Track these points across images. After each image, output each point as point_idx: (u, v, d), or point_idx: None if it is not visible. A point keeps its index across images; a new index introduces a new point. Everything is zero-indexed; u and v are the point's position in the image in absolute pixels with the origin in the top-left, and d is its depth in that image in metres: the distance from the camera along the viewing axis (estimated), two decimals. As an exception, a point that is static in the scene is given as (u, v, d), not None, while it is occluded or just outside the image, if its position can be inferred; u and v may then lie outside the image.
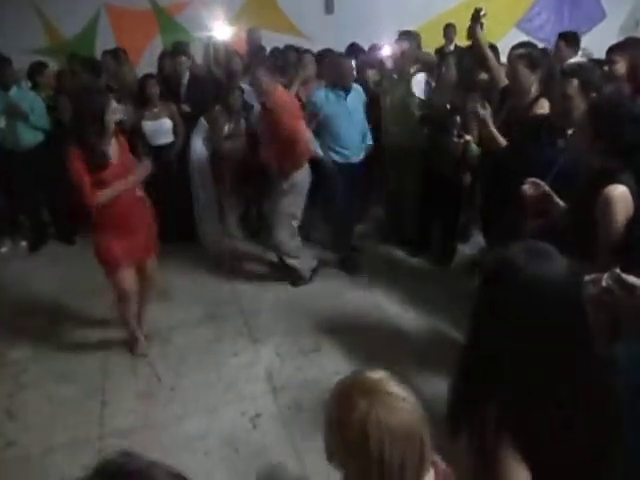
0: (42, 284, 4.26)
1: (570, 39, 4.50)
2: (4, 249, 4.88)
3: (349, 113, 3.97)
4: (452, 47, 5.83)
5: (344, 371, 3.13)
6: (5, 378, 3.23)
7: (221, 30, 6.50)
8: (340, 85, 3.93)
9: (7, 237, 4.95)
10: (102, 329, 3.64)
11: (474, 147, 3.52)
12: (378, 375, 1.04)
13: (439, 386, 2.94)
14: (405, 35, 4.33)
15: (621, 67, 3.27)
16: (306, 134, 3.70)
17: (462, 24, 5.70)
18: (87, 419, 2.90)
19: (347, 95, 3.97)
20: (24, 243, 4.94)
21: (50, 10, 6.63)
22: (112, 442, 2.73)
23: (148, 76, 4.51)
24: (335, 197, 4.09)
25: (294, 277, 4.05)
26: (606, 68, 3.48)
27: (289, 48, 5.58)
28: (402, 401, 1.00)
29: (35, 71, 4.73)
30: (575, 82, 2.53)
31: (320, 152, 3.97)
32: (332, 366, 3.18)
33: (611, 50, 3.64)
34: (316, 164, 3.94)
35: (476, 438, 1.11)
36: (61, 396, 3.07)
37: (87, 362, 3.34)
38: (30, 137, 4.49)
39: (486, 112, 3.05)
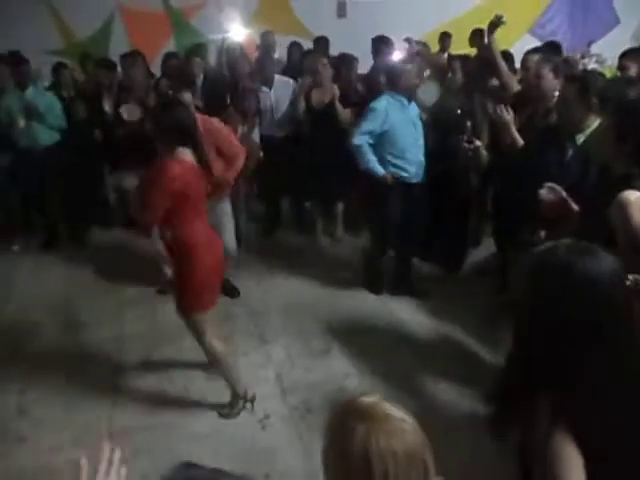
0: (53, 283, 4.31)
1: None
2: (16, 248, 4.92)
3: (413, 124, 3.67)
4: (446, 55, 5.85)
5: (353, 373, 3.16)
6: (16, 375, 3.26)
7: (234, 33, 6.56)
8: (403, 92, 3.61)
9: (19, 236, 4.99)
10: (114, 328, 3.67)
11: (484, 152, 3.51)
12: (372, 399, 1.01)
13: (445, 390, 2.95)
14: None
15: (633, 73, 3.26)
16: None
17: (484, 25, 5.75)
18: (97, 417, 2.92)
19: (410, 103, 3.66)
20: (36, 242, 4.98)
21: (65, 11, 6.72)
22: (122, 440, 2.75)
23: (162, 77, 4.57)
24: (391, 219, 3.78)
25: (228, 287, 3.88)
26: (618, 74, 3.48)
27: (295, 44, 5.64)
28: (401, 422, 0.98)
29: (56, 71, 4.80)
30: (573, 88, 2.54)
31: (379, 168, 3.64)
32: (341, 368, 3.19)
33: (623, 56, 3.63)
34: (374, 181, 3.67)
35: (528, 428, 1.12)
36: (72, 394, 3.09)
37: (98, 360, 3.37)
38: (46, 136, 4.56)
39: (510, 116, 3.06)
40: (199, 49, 5.60)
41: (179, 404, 2.98)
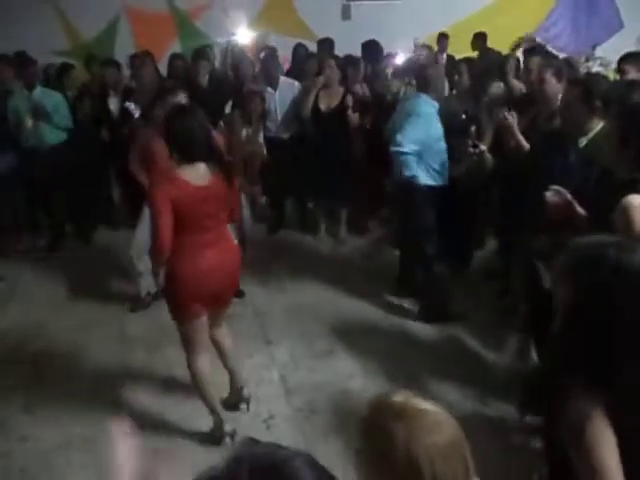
0: (58, 283, 4.33)
1: None
2: (23, 245, 4.95)
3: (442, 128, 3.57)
4: (444, 56, 5.88)
5: (357, 374, 3.16)
6: (21, 374, 3.28)
7: (239, 34, 6.59)
8: (434, 94, 3.53)
9: (25, 236, 5.02)
10: (117, 328, 3.70)
11: (488, 156, 3.51)
12: (402, 395, 1.01)
13: (449, 390, 2.96)
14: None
15: (633, 77, 3.27)
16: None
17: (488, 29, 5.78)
18: (102, 416, 2.93)
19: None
20: (42, 242, 5.01)
21: (71, 12, 6.76)
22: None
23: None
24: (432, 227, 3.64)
25: (134, 301, 3.87)
26: (618, 77, 3.50)
27: (300, 46, 5.66)
28: (437, 415, 0.98)
29: (62, 71, 4.83)
30: (576, 91, 2.55)
31: (423, 178, 3.48)
32: (346, 369, 3.20)
33: (622, 60, 3.65)
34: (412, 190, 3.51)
35: (563, 411, 1.13)
36: (75, 394, 3.11)
37: (103, 359, 3.39)
38: (53, 136, 4.59)
39: (514, 120, 3.07)
40: (205, 51, 5.62)
41: (182, 404, 2.98)
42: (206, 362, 2.62)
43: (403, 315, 3.75)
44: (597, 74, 3.74)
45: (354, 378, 3.13)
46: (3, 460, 2.65)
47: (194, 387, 2.68)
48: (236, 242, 2.74)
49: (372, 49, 5.15)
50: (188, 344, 2.59)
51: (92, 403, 3.02)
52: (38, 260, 4.72)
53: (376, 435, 0.97)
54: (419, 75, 3.64)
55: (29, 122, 4.42)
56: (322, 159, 4.61)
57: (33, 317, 3.86)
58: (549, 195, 2.21)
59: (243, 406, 2.90)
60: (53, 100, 4.54)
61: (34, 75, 4.56)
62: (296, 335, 3.55)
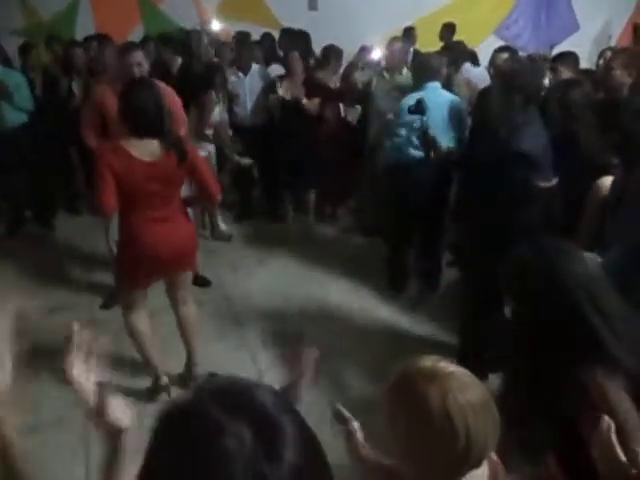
0: (22, 267, 4.21)
1: None
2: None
3: None
4: (412, 50, 5.98)
5: (327, 354, 3.21)
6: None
7: (203, 20, 6.53)
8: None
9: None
10: (88, 311, 3.67)
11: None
12: (431, 359, 1.04)
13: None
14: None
15: (565, 76, 3.44)
16: None
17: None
18: (71, 401, 2.87)
19: None
20: (1, 227, 4.86)
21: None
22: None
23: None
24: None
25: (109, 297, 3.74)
26: (550, 77, 3.67)
27: (267, 35, 5.66)
28: (467, 377, 1.02)
29: (23, 51, 4.66)
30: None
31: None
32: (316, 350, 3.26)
33: (555, 60, 3.81)
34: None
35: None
36: (49, 376, 3.04)
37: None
38: (13, 117, 4.42)
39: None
40: (174, 36, 5.55)
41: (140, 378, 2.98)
42: (141, 318, 2.75)
43: (369, 302, 3.84)
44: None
45: (325, 358, 3.19)
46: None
47: (132, 342, 2.81)
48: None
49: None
50: (125, 304, 2.77)
51: (60, 384, 2.98)
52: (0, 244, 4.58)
53: (409, 399, 1.00)
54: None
55: (-10, 101, 4.26)
56: (289, 147, 4.65)
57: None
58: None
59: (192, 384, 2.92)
60: (14, 80, 4.37)
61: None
62: (266, 317, 3.61)
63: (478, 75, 4.52)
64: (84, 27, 6.28)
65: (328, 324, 3.55)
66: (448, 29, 5.95)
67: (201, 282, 3.91)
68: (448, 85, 3.96)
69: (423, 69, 3.59)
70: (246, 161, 4.52)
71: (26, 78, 4.55)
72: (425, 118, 3.27)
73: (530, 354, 1.36)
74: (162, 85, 3.15)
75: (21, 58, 4.77)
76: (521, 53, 5.10)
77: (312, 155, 4.60)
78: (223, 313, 3.67)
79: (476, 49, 5.75)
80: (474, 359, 2.54)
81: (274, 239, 4.73)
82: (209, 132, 4.24)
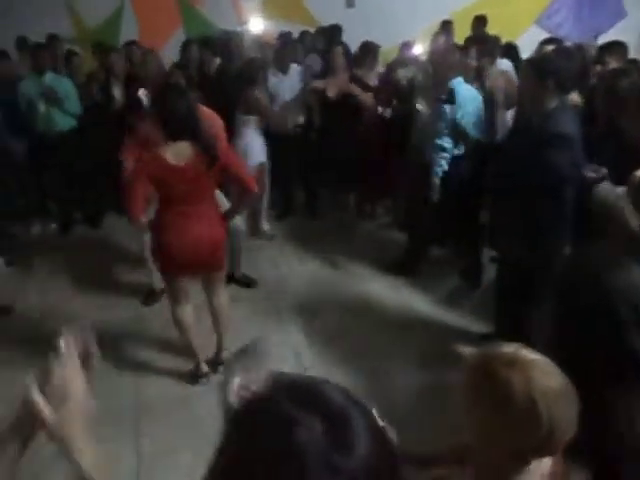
0: (71, 266, 4.39)
1: None
2: (35, 230, 5.02)
3: None
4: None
5: (368, 352, 3.24)
6: (38, 355, 3.34)
7: (243, 22, 6.61)
8: None
9: (37, 219, 5.08)
10: (132, 308, 3.79)
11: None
12: (510, 347, 1.05)
13: (448, 375, 3.03)
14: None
15: (613, 67, 3.32)
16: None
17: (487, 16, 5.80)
18: (122, 393, 3.01)
19: None
20: (54, 225, 5.09)
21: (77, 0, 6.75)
22: (146, 413, 2.85)
23: (176, 66, 4.62)
24: None
25: (148, 294, 3.86)
26: (598, 68, 3.54)
27: (305, 33, 5.68)
28: (548, 364, 1.02)
29: (67, 59, 4.85)
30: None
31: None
32: (359, 347, 3.30)
33: (603, 50, 3.68)
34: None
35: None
36: (97, 370, 3.18)
37: (121, 337, 3.48)
38: (63, 122, 4.62)
39: None
40: (214, 38, 5.67)
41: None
42: (186, 311, 2.96)
43: (411, 295, 3.85)
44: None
45: (366, 354, 3.23)
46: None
47: (178, 331, 3.03)
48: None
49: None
50: (170, 296, 2.99)
51: (115, 379, 3.11)
52: (49, 245, 4.78)
53: (491, 385, 1.01)
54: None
55: (42, 107, 4.45)
56: (329, 146, 4.68)
57: (49, 300, 3.93)
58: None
59: (221, 369, 3.09)
60: (64, 86, 4.56)
61: (44, 60, 4.57)
62: (308, 314, 3.65)
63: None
64: (128, 33, 6.47)
65: (369, 320, 3.56)
66: (479, 22, 5.86)
67: (247, 282, 3.99)
68: (479, 77, 3.90)
69: (445, 66, 3.58)
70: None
71: (74, 84, 4.73)
72: (455, 107, 3.32)
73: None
74: (205, 110, 3.25)
75: (68, 65, 4.95)
76: (567, 43, 4.96)
77: (352, 153, 4.61)
78: (265, 310, 3.73)
79: (516, 41, 5.65)
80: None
81: (314, 237, 4.77)
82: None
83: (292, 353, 3.28)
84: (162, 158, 2.57)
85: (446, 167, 3.59)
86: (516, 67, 4.49)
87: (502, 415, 0.99)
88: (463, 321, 3.55)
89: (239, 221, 3.74)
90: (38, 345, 3.36)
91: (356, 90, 4.40)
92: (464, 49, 4.33)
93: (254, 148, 4.19)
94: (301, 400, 0.64)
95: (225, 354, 3.15)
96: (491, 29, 5.88)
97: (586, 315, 1.24)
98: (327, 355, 3.25)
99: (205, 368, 3.10)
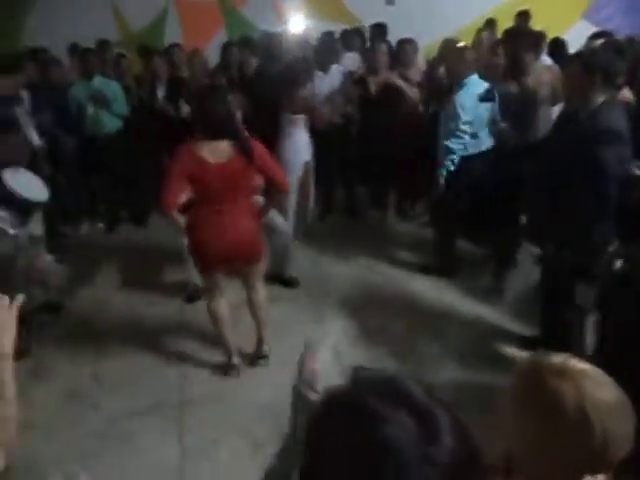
0: (118, 264, 4.54)
1: None
2: (83, 229, 5.21)
3: None
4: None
5: (409, 352, 3.22)
6: (90, 347, 3.48)
7: (284, 22, 6.66)
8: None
9: (86, 218, 5.27)
10: (177, 304, 3.88)
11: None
12: (560, 357, 1.02)
13: (488, 375, 2.98)
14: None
15: None
16: None
17: (532, 11, 5.67)
18: (167, 387, 3.10)
19: None
20: (101, 225, 5.26)
21: (122, 4, 6.95)
22: (191, 407, 2.92)
23: (219, 68, 4.71)
24: None
25: (191, 292, 3.90)
26: None
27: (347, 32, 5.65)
28: (600, 376, 0.99)
29: (116, 62, 5.02)
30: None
31: None
32: (397, 347, 3.29)
33: None
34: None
35: None
36: (141, 365, 3.29)
37: (164, 333, 3.57)
38: (111, 124, 4.77)
39: None
40: (251, 40, 5.72)
41: (243, 378, 3.13)
42: (220, 305, 3.05)
43: (451, 294, 3.82)
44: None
45: (407, 354, 3.21)
46: (78, 425, 2.84)
47: (212, 325, 3.13)
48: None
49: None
50: (206, 291, 3.09)
51: (159, 374, 3.20)
52: (97, 244, 4.96)
53: (541, 393, 0.98)
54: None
55: (90, 110, 4.61)
56: (369, 143, 4.66)
57: (96, 296, 4.07)
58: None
59: (262, 362, 3.21)
60: (111, 88, 4.72)
61: (94, 64, 4.73)
62: (348, 314, 3.65)
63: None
64: (172, 35, 6.62)
65: (410, 320, 3.54)
66: (522, 17, 5.73)
67: (289, 282, 4.02)
68: (519, 73, 3.82)
69: (461, 63, 3.61)
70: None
71: (122, 86, 4.87)
72: (494, 105, 3.32)
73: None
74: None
75: (117, 68, 5.11)
76: (618, 37, 4.78)
77: (391, 150, 4.58)
78: (305, 309, 3.75)
79: (564, 35, 5.49)
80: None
81: (354, 235, 4.77)
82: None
83: (331, 352, 3.29)
84: (200, 156, 2.64)
85: (452, 168, 3.63)
86: (563, 62, 4.37)
87: (552, 424, 0.96)
88: (507, 323, 3.48)
89: (281, 222, 3.77)
90: (86, 340, 3.54)
91: (400, 82, 4.37)
92: (502, 43, 4.26)
93: (302, 147, 4.25)
94: (387, 396, 0.65)
95: (265, 348, 3.22)
96: (537, 24, 5.75)
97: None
98: (367, 354, 3.24)
99: (236, 361, 3.17)
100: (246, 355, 3.27)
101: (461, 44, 4.39)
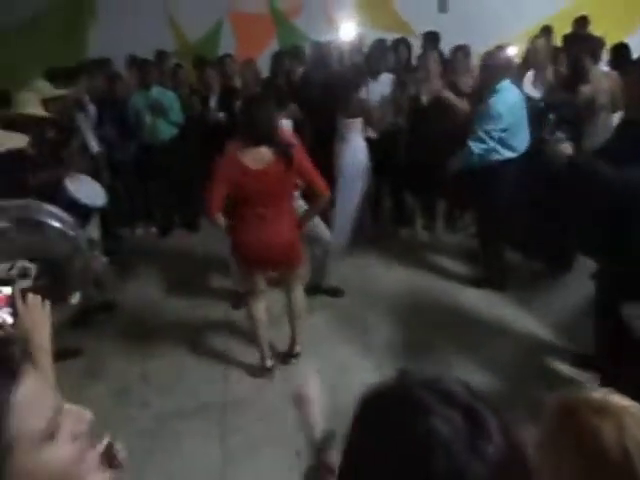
0: (169, 266, 4.69)
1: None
2: (138, 233, 5.43)
3: None
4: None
5: (454, 364, 3.15)
6: (139, 347, 3.60)
7: (335, 31, 6.70)
8: None
9: (141, 222, 5.47)
10: (224, 307, 3.96)
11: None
12: (599, 392, 0.98)
13: (537, 392, 2.88)
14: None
15: None
16: None
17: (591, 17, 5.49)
18: (211, 388, 3.16)
19: None
20: (154, 229, 5.45)
21: (180, 16, 7.19)
22: (233, 409, 2.97)
23: (270, 77, 4.80)
24: None
25: (236, 298, 3.90)
26: None
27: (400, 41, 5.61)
28: None
29: (174, 72, 5.21)
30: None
31: None
32: (442, 359, 3.23)
33: None
34: None
35: None
36: (188, 365, 3.37)
37: (211, 335, 3.66)
38: (167, 131, 4.95)
39: None
40: (298, 49, 5.82)
41: (283, 382, 3.15)
42: (259, 307, 3.15)
43: (501, 312, 3.69)
44: None
45: (452, 368, 3.14)
46: (127, 422, 2.93)
47: (249, 325, 3.26)
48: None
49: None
50: (246, 291, 3.18)
51: (204, 375, 3.27)
52: (150, 247, 5.14)
53: (579, 433, 0.93)
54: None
55: (148, 118, 4.79)
56: (418, 151, 4.62)
57: (146, 297, 4.21)
58: None
59: (294, 361, 3.32)
60: (168, 98, 4.89)
61: (152, 75, 4.91)
62: (393, 325, 3.61)
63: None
64: (227, 45, 6.79)
65: (456, 332, 3.46)
66: (580, 22, 5.55)
67: (333, 292, 4.01)
68: (581, 78, 3.70)
69: (493, 68, 3.58)
70: None
71: (178, 95, 5.04)
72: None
73: None
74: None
75: (174, 78, 5.29)
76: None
77: (441, 158, 4.51)
78: (350, 318, 3.74)
79: (629, 38, 5.28)
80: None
81: (402, 245, 4.73)
82: None
83: (374, 362, 3.26)
84: (241, 162, 2.73)
85: (479, 151, 3.59)
86: (626, 69, 4.20)
87: (592, 470, 0.90)
88: (559, 339, 3.36)
89: (323, 230, 3.78)
90: (137, 339, 3.66)
91: (449, 95, 4.31)
92: (562, 50, 4.14)
93: (359, 150, 4.31)
94: (434, 391, 0.64)
95: (297, 348, 3.33)
96: (597, 29, 5.56)
97: None
98: (410, 367, 3.19)
99: (269, 363, 3.25)
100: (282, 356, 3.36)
101: (509, 50, 4.30)
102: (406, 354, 3.31)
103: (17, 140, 3.13)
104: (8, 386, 0.69)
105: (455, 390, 0.65)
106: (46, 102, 3.50)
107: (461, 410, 0.61)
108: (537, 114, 3.72)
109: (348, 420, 0.70)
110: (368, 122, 4.34)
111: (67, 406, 0.77)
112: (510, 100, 3.55)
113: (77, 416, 0.77)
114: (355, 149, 4.29)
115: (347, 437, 0.68)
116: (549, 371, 3.09)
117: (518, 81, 4.03)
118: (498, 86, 3.55)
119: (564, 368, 3.08)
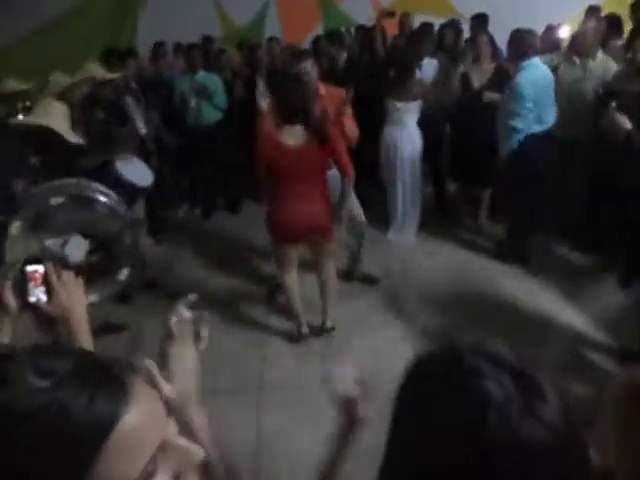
0: (212, 247, 4.77)
1: None
2: (182, 214, 5.56)
3: None
4: None
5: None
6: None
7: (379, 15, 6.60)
8: None
9: (185, 204, 5.60)
10: (262, 292, 4.02)
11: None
12: None
13: (580, 386, 2.80)
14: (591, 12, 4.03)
15: None
16: None
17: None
18: (247, 371, 3.22)
19: None
20: (197, 211, 5.56)
21: (226, 1, 7.26)
22: (269, 395, 3.02)
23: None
24: None
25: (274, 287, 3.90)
26: None
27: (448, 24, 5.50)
28: None
29: (217, 56, 5.28)
30: None
31: None
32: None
33: None
34: None
35: None
36: (224, 347, 3.44)
37: (249, 318, 3.72)
38: (211, 115, 5.02)
39: None
40: (340, 33, 5.79)
41: (321, 368, 3.17)
42: (291, 277, 3.30)
43: (541, 304, 3.61)
44: None
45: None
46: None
47: (284, 294, 3.41)
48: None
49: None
50: (278, 263, 3.34)
51: (240, 359, 3.33)
52: (193, 229, 5.25)
53: None
54: None
55: (193, 102, 4.87)
56: (461, 139, 4.54)
57: (187, 278, 4.30)
58: None
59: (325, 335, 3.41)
60: (213, 82, 4.95)
61: (198, 59, 4.99)
62: (431, 312, 3.59)
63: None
64: (272, 30, 6.81)
65: (494, 321, 3.40)
66: (637, 6, 5.25)
67: (369, 280, 4.00)
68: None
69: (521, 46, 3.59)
70: None
71: (222, 79, 5.09)
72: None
73: None
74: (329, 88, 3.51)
75: (218, 62, 5.35)
76: None
77: (486, 147, 4.42)
78: (388, 304, 3.74)
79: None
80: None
81: (443, 233, 4.67)
82: None
83: (410, 349, 3.25)
84: (277, 140, 2.84)
85: (515, 146, 3.63)
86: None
87: None
88: (602, 333, 3.27)
89: (359, 213, 3.76)
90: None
91: (494, 97, 4.20)
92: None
93: (417, 135, 4.35)
94: (487, 357, 0.64)
95: (328, 323, 3.41)
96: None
97: None
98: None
99: (305, 330, 3.39)
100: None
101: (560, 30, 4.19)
102: (443, 342, 3.28)
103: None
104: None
105: (506, 355, 0.65)
106: (100, 84, 3.60)
107: (514, 373, 0.61)
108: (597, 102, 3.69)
109: (382, 404, 0.70)
110: (427, 103, 4.35)
111: (174, 441, 0.59)
112: (534, 76, 3.56)
113: (184, 455, 0.59)
114: (413, 133, 4.33)
115: (395, 405, 0.68)
116: (590, 365, 3.01)
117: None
118: (525, 63, 3.55)
119: (605, 362, 3.00)
